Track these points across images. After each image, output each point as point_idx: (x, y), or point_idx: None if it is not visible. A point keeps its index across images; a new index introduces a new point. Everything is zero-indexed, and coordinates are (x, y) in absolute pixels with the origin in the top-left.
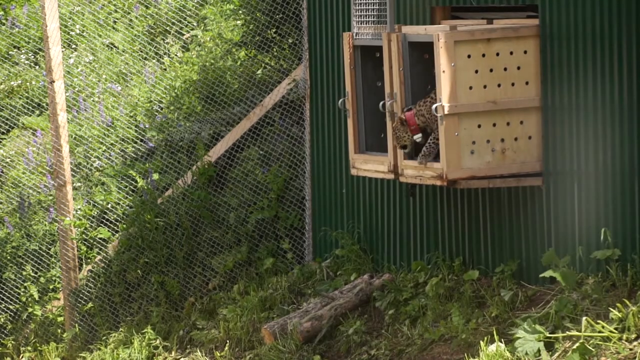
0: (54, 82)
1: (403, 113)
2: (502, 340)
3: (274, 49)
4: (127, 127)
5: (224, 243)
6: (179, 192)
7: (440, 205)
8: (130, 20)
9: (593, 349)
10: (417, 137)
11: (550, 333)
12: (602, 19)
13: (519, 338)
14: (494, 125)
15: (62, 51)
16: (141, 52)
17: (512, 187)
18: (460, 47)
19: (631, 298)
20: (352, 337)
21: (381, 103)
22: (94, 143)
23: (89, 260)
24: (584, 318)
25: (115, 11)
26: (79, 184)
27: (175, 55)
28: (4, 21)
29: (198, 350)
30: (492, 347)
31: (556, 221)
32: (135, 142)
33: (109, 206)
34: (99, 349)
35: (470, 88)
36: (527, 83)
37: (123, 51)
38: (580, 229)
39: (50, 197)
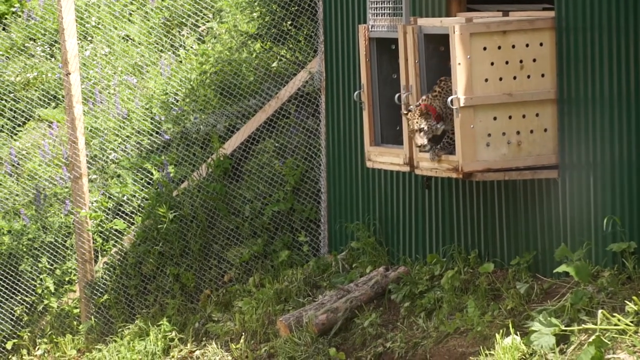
0: (69, 74)
1: (417, 106)
2: (518, 333)
3: (290, 41)
4: (143, 120)
5: (239, 235)
6: (195, 185)
7: (455, 198)
8: (146, 12)
9: (609, 342)
10: (441, 125)
11: (566, 326)
12: (618, 10)
13: (534, 331)
14: (510, 117)
15: (78, 43)
16: (157, 44)
17: (528, 179)
18: (476, 40)
19: None
20: (368, 330)
21: (397, 95)
22: (109, 135)
23: (104, 252)
24: (599, 311)
25: (131, 3)
26: (95, 176)
27: (191, 47)
28: (20, 13)
29: (214, 343)
30: (508, 340)
31: (572, 214)
32: (151, 135)
33: (125, 198)
34: (115, 341)
35: (486, 80)
36: (542, 75)
37: (139, 43)
38: (595, 222)
39: (66, 190)
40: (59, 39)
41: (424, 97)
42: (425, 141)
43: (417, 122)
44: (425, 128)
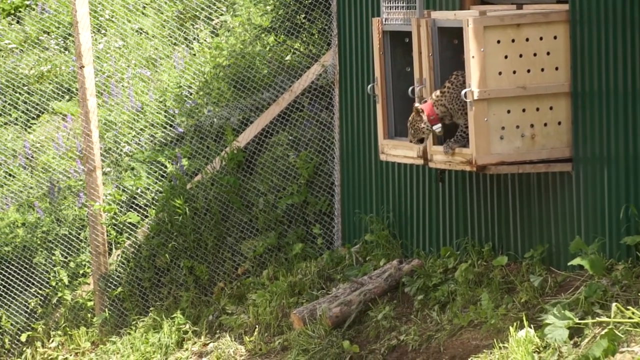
0: (83, 67)
1: (424, 102)
2: (532, 326)
3: (303, 35)
4: (157, 113)
5: (253, 228)
6: (208, 178)
7: (469, 191)
8: (160, 5)
9: (622, 335)
10: (437, 127)
11: (579, 319)
12: (632, 3)
13: (548, 324)
14: (524, 110)
15: (92, 36)
16: (170, 37)
17: (542, 172)
18: (490, 33)
19: None
20: (381, 323)
21: (410, 88)
22: (123, 128)
23: (118, 245)
24: (613, 304)
25: None
26: (109, 169)
27: (205, 40)
28: (34, 6)
29: (227, 335)
30: (522, 333)
31: (586, 207)
32: (165, 128)
33: (139, 191)
34: (129, 334)
35: (500, 73)
36: (556, 68)
37: (152, 36)
38: (610, 215)
39: (80, 182)
40: (73, 32)
41: (433, 96)
42: (414, 139)
43: (409, 121)
44: (415, 128)
